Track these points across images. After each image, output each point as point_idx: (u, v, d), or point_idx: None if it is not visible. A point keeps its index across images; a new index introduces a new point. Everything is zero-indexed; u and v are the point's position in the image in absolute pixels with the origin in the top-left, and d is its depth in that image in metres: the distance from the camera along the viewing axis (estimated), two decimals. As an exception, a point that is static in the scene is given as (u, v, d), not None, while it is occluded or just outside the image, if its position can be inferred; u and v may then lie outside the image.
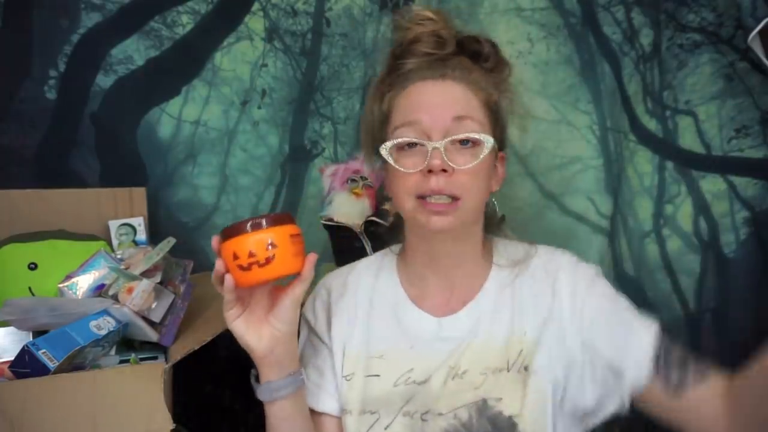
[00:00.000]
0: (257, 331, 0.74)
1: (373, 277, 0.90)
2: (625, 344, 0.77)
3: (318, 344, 0.89)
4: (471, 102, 0.79)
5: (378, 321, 0.86)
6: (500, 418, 0.77)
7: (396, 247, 0.93)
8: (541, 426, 0.77)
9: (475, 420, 0.78)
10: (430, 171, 0.75)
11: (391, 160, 0.78)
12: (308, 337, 0.91)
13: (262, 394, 0.78)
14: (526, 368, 0.79)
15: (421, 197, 0.76)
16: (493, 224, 0.89)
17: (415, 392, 0.80)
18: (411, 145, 0.77)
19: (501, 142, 0.84)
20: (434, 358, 0.81)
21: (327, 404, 0.86)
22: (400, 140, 0.78)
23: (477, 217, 0.83)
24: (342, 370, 0.85)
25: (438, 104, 0.77)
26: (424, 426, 0.79)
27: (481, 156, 0.76)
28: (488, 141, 0.76)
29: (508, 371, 0.79)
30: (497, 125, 0.82)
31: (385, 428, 0.79)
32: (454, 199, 0.75)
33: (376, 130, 0.85)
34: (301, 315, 0.92)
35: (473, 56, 0.83)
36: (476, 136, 0.76)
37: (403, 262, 0.89)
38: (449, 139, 0.75)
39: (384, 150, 0.79)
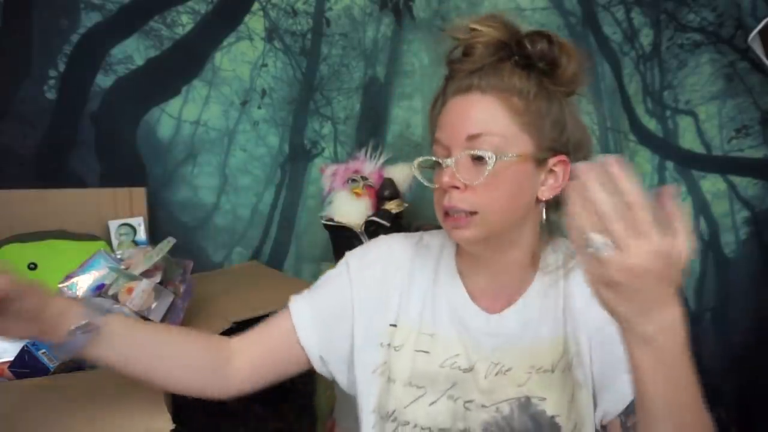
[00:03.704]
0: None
1: (433, 261, 0.90)
2: (613, 382, 0.78)
3: (342, 293, 0.87)
4: (495, 114, 0.77)
5: (433, 303, 0.86)
6: (543, 417, 0.78)
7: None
8: (583, 430, 0.78)
9: (516, 415, 0.79)
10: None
11: (419, 176, 0.83)
12: (338, 278, 0.89)
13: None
14: (570, 368, 0.80)
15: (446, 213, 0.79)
16: (547, 234, 0.87)
17: (459, 379, 0.82)
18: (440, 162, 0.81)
19: (555, 146, 0.80)
20: (478, 350, 0.83)
21: (308, 340, 0.85)
22: (421, 159, 0.82)
23: (511, 225, 0.80)
24: (389, 340, 0.85)
25: (456, 122, 0.78)
26: (467, 414, 0.80)
27: (486, 172, 0.75)
28: (490, 158, 0.75)
29: (553, 372, 0.80)
30: (541, 130, 0.79)
31: (430, 404, 0.81)
32: (472, 213, 0.76)
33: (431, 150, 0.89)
34: (346, 256, 0.90)
35: (526, 59, 0.81)
36: (477, 153, 0.76)
37: (459, 257, 0.90)
38: (456, 157, 0.77)
39: (414, 167, 0.83)
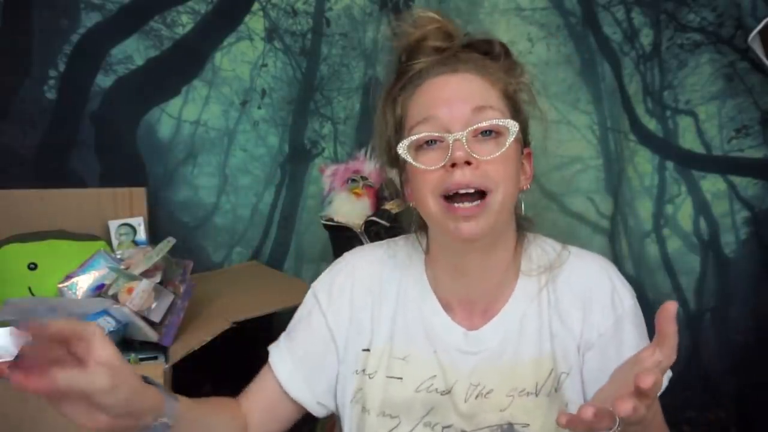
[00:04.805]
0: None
1: (399, 272, 0.84)
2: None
3: (319, 329, 0.84)
4: (489, 92, 0.75)
5: (404, 321, 0.81)
6: None
7: (423, 241, 0.85)
8: None
9: None
10: (453, 165, 0.69)
11: (410, 159, 0.73)
12: (311, 315, 0.86)
13: None
14: (556, 390, 0.75)
15: (446, 198, 0.71)
16: (523, 226, 0.83)
17: (437, 402, 0.77)
18: (430, 142, 0.73)
19: (525, 137, 0.80)
20: (456, 370, 0.78)
21: (301, 393, 0.83)
22: (418, 136, 0.73)
23: (508, 218, 0.77)
24: (363, 366, 0.81)
25: (455, 97, 0.73)
26: None
27: (507, 143, 0.71)
28: (513, 126, 0.71)
29: (537, 395, 0.75)
30: (519, 117, 0.77)
31: None
32: (482, 195, 0.70)
33: (392, 137, 0.80)
34: (312, 288, 0.87)
35: (488, 56, 0.80)
36: (499, 122, 0.72)
37: (429, 264, 0.84)
38: (471, 128, 0.70)
39: (402, 149, 0.74)
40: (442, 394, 0.78)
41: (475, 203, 0.70)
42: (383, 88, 0.83)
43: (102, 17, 1.42)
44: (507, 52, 0.81)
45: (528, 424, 0.74)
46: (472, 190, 0.70)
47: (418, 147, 0.74)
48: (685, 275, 1.45)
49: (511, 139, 0.71)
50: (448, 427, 0.76)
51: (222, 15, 1.49)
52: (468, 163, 0.70)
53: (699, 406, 1.43)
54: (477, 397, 0.76)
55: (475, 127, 0.71)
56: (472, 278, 0.79)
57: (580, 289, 0.78)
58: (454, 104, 0.73)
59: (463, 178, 0.69)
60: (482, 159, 0.70)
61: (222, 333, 1.09)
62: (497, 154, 0.70)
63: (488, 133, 0.72)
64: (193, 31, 1.48)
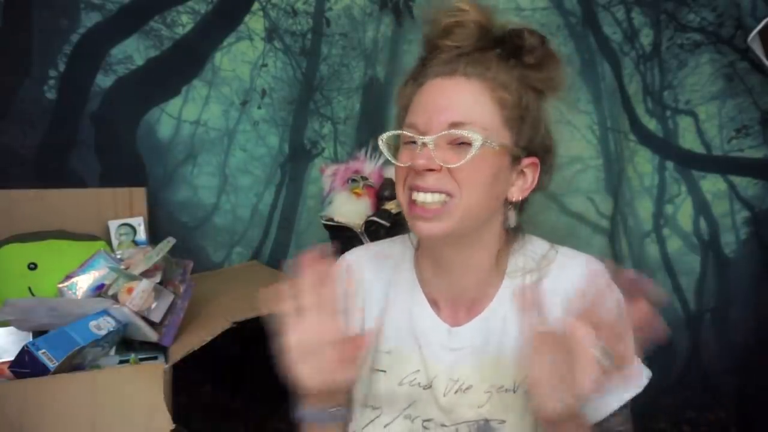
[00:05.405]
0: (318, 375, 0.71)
1: (390, 270, 0.87)
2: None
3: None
4: (478, 101, 0.74)
5: (392, 316, 0.84)
6: None
7: (415, 240, 0.88)
8: None
9: None
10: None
11: (386, 151, 0.78)
12: None
13: (301, 416, 0.76)
14: None
15: (413, 199, 0.74)
16: (513, 236, 0.83)
17: (418, 396, 0.79)
18: (413, 141, 0.75)
19: (530, 147, 0.79)
20: (437, 366, 0.80)
21: None
22: (392, 133, 0.77)
23: (480, 222, 0.77)
24: None
25: (438, 107, 0.74)
26: None
27: (468, 156, 0.71)
28: (476, 140, 0.71)
29: (515, 392, 0.76)
30: (520, 127, 0.77)
31: (385, 426, 0.79)
32: (447, 197, 0.72)
33: (398, 127, 0.81)
34: None
35: (514, 51, 0.78)
36: (464, 132, 0.72)
37: (418, 261, 0.86)
38: (436, 136, 0.72)
39: (380, 142, 0.78)
40: (424, 389, 0.79)
41: (437, 204, 0.73)
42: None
43: (102, 17, 1.42)
44: (543, 44, 0.78)
45: (504, 421, 0.76)
46: (429, 200, 0.73)
47: (405, 142, 0.76)
48: (685, 275, 1.45)
49: (472, 152, 0.71)
50: (429, 420, 0.78)
51: (222, 15, 1.49)
52: (432, 169, 0.72)
53: (699, 406, 1.43)
54: (456, 392, 0.78)
55: (441, 134, 0.72)
56: (453, 275, 0.81)
57: (563, 288, 0.79)
58: (434, 115, 0.74)
59: (423, 182, 0.72)
60: (447, 166, 0.72)
61: (222, 333, 1.09)
62: (458, 164, 0.72)
63: (462, 143, 0.73)
64: (193, 31, 1.48)
